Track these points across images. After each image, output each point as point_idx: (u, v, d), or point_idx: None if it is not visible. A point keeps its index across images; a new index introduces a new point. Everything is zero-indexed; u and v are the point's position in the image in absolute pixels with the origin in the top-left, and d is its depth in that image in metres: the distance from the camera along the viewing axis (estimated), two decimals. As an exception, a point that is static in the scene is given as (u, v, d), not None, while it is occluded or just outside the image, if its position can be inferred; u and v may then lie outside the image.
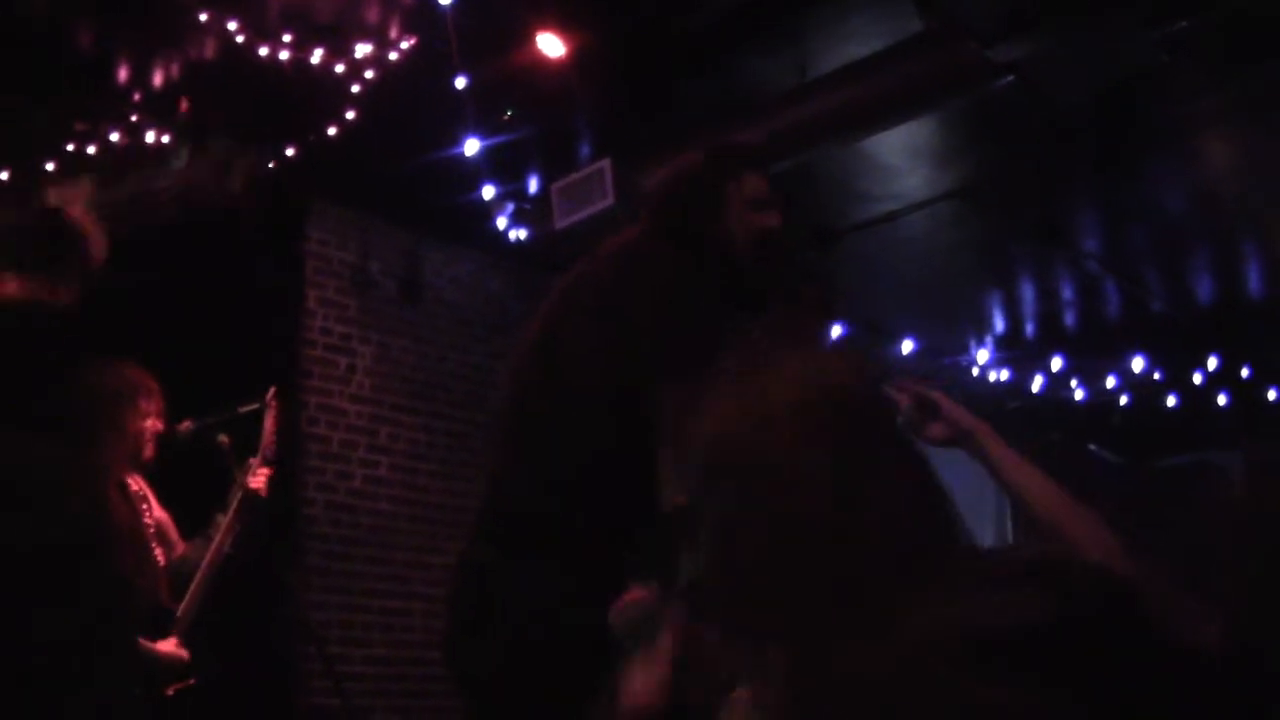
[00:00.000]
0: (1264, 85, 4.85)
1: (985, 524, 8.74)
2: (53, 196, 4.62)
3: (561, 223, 5.48)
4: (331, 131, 4.98)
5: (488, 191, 5.46)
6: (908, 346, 7.74)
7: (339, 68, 4.67)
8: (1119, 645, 1.00)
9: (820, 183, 5.55)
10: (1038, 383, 8.29)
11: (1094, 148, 5.45)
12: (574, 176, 5.44)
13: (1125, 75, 4.67)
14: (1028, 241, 6.48)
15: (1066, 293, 7.28)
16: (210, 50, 4.63)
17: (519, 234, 5.84)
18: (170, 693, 3.46)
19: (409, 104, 4.96)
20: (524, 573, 2.27)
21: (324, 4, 4.52)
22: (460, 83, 4.67)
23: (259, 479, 3.84)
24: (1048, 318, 7.64)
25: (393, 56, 4.65)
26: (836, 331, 7.06)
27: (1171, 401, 8.57)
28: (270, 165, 5.11)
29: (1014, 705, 0.94)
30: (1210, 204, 6.09)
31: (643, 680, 1.55)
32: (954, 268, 6.87)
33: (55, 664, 1.92)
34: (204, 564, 3.67)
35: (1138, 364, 8.06)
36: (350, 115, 4.92)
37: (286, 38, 4.57)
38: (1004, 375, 8.18)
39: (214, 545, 3.71)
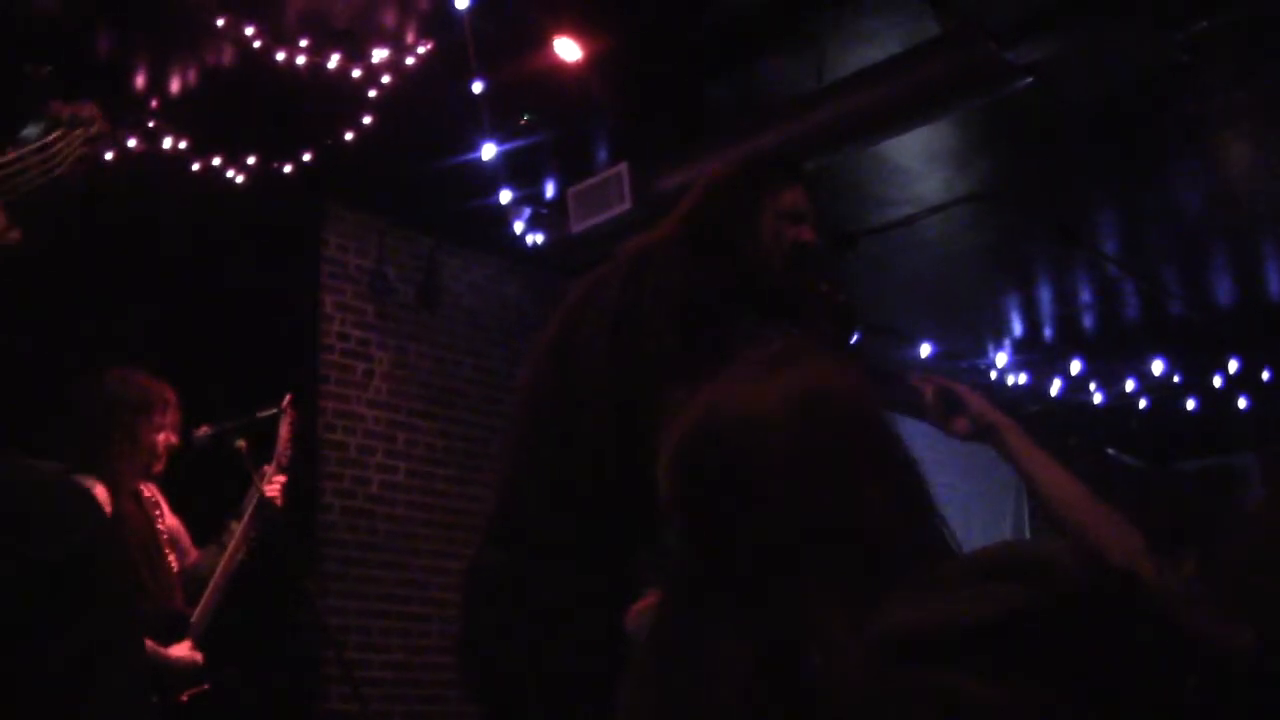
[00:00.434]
0: (1283, 85, 4.84)
1: (1003, 522, 8.73)
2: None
3: (578, 227, 5.47)
4: (348, 137, 4.99)
5: (505, 196, 5.47)
6: (925, 350, 7.72)
7: (356, 73, 4.68)
8: (1086, 638, 0.99)
9: (838, 186, 5.54)
10: (1056, 386, 8.26)
11: (1112, 149, 5.43)
12: (591, 181, 5.43)
13: (1144, 76, 4.66)
14: (1046, 244, 6.46)
15: (1085, 295, 7.25)
16: (227, 56, 4.65)
17: (536, 238, 5.84)
18: (185, 698, 3.47)
19: (426, 109, 4.97)
20: (537, 578, 2.27)
21: (341, 9, 4.53)
22: (477, 87, 4.67)
23: (274, 486, 3.83)
24: (1066, 320, 7.61)
25: (410, 61, 4.65)
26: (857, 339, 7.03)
27: (1191, 405, 8.54)
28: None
29: (982, 697, 0.94)
30: (1230, 205, 6.06)
31: None
32: (972, 271, 6.85)
33: (68, 675, 1.91)
34: (219, 570, 3.67)
35: (1157, 367, 8.03)
36: (367, 120, 4.93)
37: (303, 43, 4.58)
38: (1022, 379, 8.15)
39: (228, 552, 3.71)
